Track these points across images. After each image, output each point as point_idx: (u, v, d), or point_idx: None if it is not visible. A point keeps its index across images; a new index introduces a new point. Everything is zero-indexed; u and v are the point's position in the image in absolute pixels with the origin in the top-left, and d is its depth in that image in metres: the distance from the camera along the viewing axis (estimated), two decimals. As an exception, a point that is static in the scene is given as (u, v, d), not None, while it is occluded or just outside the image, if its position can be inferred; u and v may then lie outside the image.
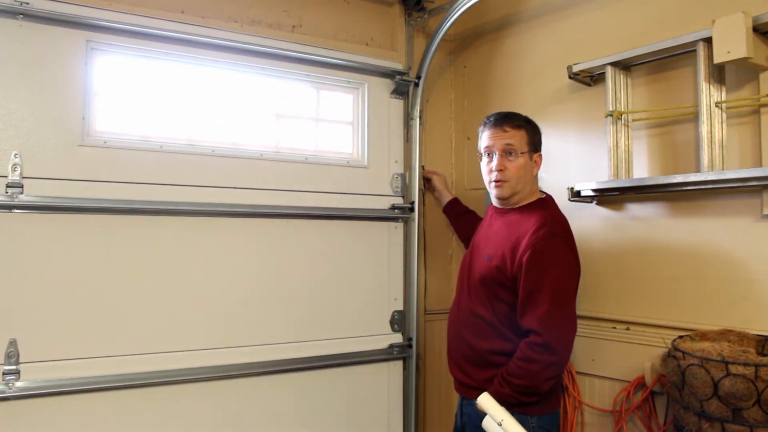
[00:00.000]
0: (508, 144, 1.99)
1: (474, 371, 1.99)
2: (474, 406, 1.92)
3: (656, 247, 2.08)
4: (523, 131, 2.01)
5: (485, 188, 2.61)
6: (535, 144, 2.04)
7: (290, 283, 2.44)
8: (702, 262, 1.96)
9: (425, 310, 2.81)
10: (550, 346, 1.78)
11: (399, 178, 2.72)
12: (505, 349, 1.90)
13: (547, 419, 1.92)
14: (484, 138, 2.05)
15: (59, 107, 2.04)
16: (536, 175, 2.06)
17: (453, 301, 2.17)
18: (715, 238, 1.93)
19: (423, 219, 2.80)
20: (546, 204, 2.01)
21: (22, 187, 1.96)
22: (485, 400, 1.70)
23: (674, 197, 2.03)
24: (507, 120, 2.02)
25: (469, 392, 1.99)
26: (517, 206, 2.02)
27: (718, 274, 1.91)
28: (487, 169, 2.04)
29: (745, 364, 1.53)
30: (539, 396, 1.85)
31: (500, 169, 1.99)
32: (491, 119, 2.04)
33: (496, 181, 2.00)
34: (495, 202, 2.10)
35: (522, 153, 1.99)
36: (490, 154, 2.03)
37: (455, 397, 2.26)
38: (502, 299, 1.92)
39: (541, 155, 2.06)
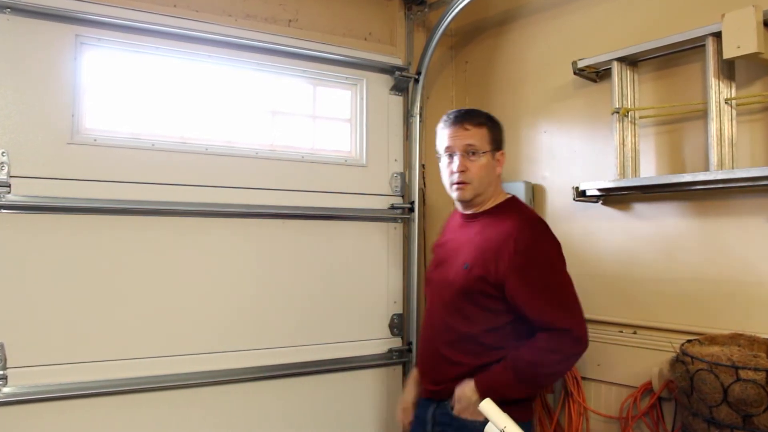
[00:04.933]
0: (469, 144, 1.88)
1: (446, 379, 1.89)
2: (447, 407, 1.84)
3: (664, 249, 2.05)
4: (485, 129, 1.91)
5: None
6: (497, 142, 1.93)
7: (286, 285, 2.41)
8: (711, 263, 1.93)
9: (425, 313, 2.77)
10: (581, 339, 1.75)
11: (398, 177, 2.70)
12: (487, 360, 1.81)
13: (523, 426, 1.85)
14: (444, 137, 1.94)
15: (48, 104, 2.02)
16: (499, 174, 1.96)
17: (424, 317, 2.06)
18: (724, 239, 1.91)
19: (423, 219, 2.77)
20: (518, 203, 1.94)
21: (9, 186, 1.95)
22: (488, 406, 1.66)
23: (682, 197, 2.01)
24: (467, 118, 1.92)
25: (442, 395, 1.88)
26: (483, 209, 1.93)
27: (728, 276, 1.89)
28: (448, 171, 1.93)
29: (756, 369, 1.52)
30: (522, 398, 1.79)
31: (462, 170, 1.88)
32: (451, 117, 1.94)
33: (457, 183, 1.89)
34: (458, 206, 2.00)
35: (484, 152, 1.89)
36: (450, 155, 1.92)
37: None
38: (487, 308, 1.83)
39: (503, 153, 1.95)
